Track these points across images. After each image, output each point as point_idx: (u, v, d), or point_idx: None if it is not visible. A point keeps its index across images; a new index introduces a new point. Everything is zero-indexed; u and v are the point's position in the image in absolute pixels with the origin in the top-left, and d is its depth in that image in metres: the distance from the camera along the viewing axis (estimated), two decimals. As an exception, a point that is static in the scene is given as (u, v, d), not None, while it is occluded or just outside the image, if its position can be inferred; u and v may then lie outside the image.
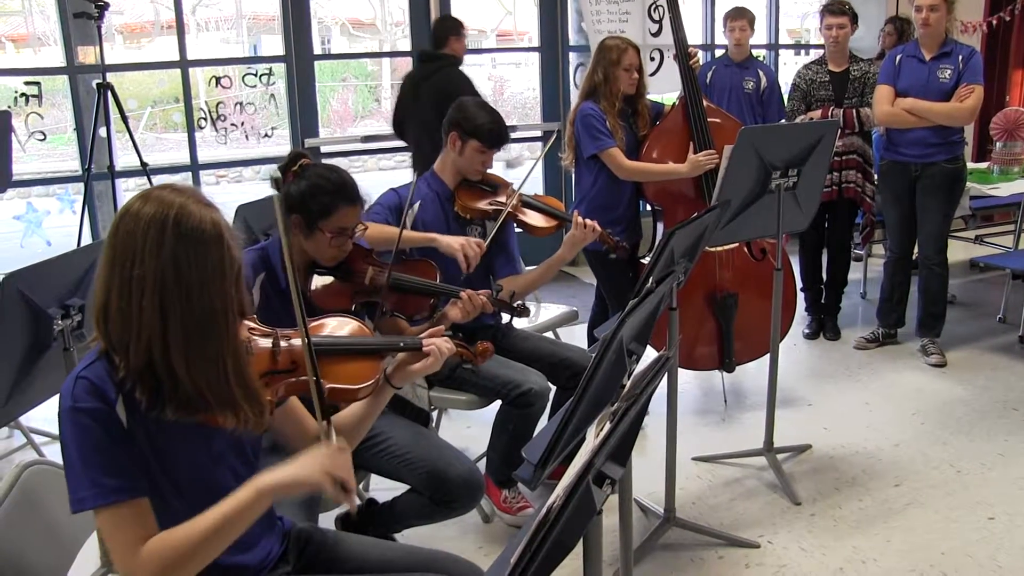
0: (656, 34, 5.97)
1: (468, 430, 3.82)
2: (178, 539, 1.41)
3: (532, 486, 1.65)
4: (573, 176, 4.00)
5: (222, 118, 5.67)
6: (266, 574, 1.71)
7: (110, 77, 4.84)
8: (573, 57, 6.53)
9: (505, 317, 2.97)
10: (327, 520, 2.48)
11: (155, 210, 1.43)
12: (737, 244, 3.90)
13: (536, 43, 6.58)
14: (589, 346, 3.78)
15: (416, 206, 2.82)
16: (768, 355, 3.37)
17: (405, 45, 6.34)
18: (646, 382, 1.51)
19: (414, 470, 2.38)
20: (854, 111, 4.54)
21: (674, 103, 3.92)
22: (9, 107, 4.89)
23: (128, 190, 5.28)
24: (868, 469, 3.43)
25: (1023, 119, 5.59)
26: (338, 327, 1.87)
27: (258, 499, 1.45)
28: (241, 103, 5.77)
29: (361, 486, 3.02)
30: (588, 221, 3.00)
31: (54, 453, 1.55)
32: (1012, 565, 2.77)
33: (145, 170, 4.94)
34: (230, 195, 5.24)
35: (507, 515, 3.10)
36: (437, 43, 5.19)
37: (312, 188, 2.25)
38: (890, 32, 5.61)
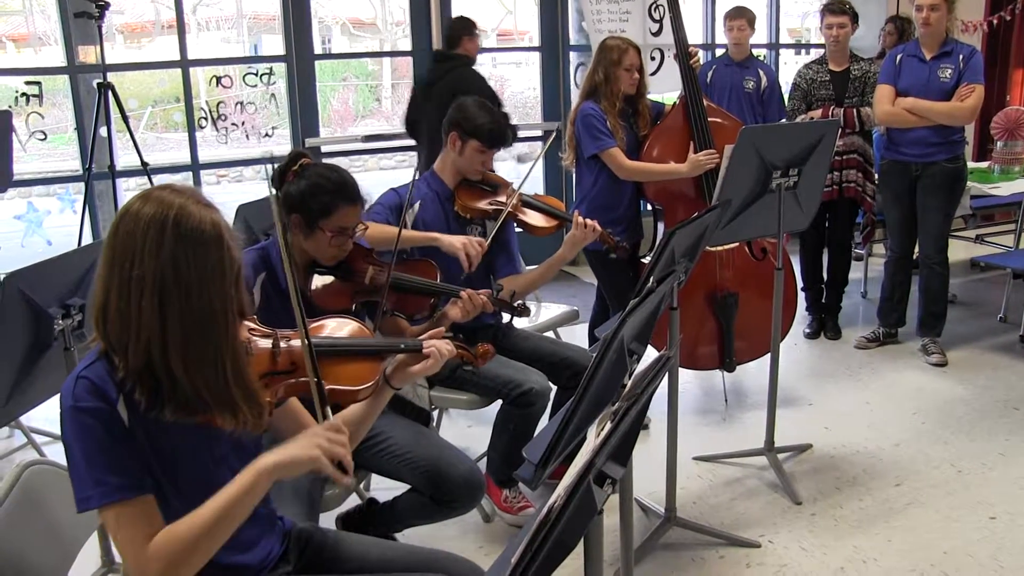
0: (656, 34, 5.97)
1: (469, 430, 3.82)
2: (183, 531, 1.41)
3: (533, 486, 1.65)
4: (574, 176, 4.00)
5: (223, 118, 5.68)
6: (267, 574, 1.71)
7: (111, 77, 4.85)
8: (573, 56, 6.53)
9: (506, 317, 2.96)
10: (327, 520, 2.48)
11: (155, 210, 1.43)
12: (738, 244, 3.90)
13: (537, 42, 6.58)
14: (590, 346, 3.78)
15: (416, 206, 2.82)
16: (769, 355, 3.37)
17: (406, 45, 6.34)
18: (647, 382, 1.51)
19: (415, 470, 2.38)
20: (855, 110, 4.54)
21: (675, 103, 3.92)
22: (10, 107, 4.89)
23: (129, 190, 5.28)
24: (869, 469, 3.43)
25: (1023, 118, 5.60)
26: (338, 328, 1.87)
27: (258, 481, 1.45)
28: (242, 103, 5.77)
29: (362, 486, 3.02)
30: (588, 221, 3.00)
31: (55, 453, 1.56)
32: (1013, 565, 2.77)
33: (146, 170, 4.94)
34: (231, 195, 5.24)
35: (508, 515, 3.10)
36: (450, 43, 5.23)
37: (312, 187, 2.25)
38: (891, 31, 5.61)
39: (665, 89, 5.58)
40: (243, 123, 5.76)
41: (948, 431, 3.73)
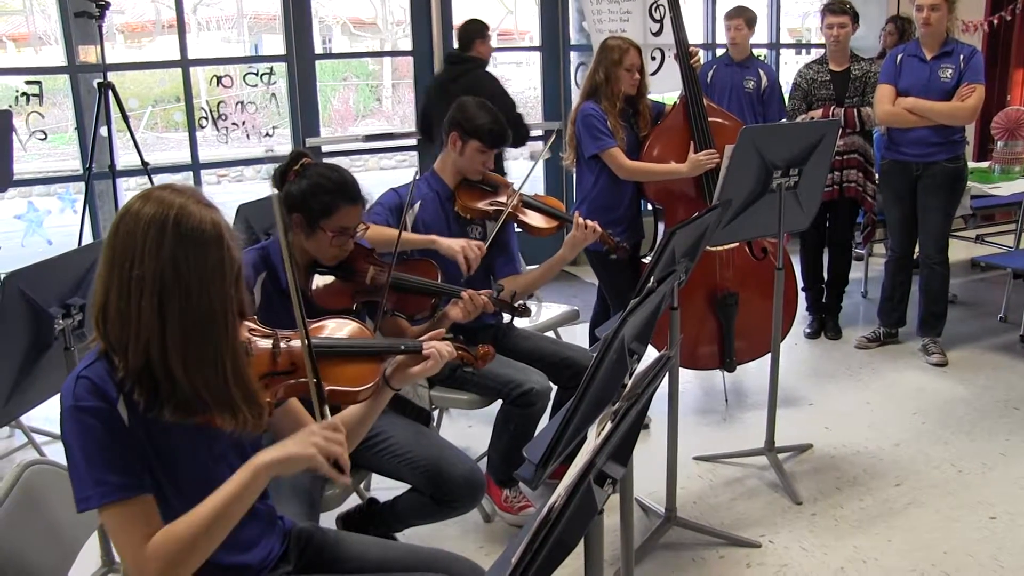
0: (657, 33, 5.97)
1: (469, 429, 3.82)
2: (182, 530, 1.42)
3: (533, 485, 1.65)
4: (574, 176, 3.99)
5: (223, 117, 5.67)
6: (267, 574, 1.71)
7: (111, 76, 4.85)
8: (574, 56, 6.52)
9: (506, 317, 2.97)
10: (328, 520, 2.48)
11: (155, 210, 1.43)
12: (738, 243, 3.90)
13: (537, 42, 6.58)
14: (590, 346, 3.78)
15: (416, 206, 2.82)
16: (769, 354, 3.37)
17: (406, 44, 6.34)
18: (647, 381, 1.51)
19: (415, 469, 2.38)
20: (855, 110, 4.54)
21: (675, 103, 3.92)
22: (10, 106, 4.89)
23: (129, 189, 5.28)
24: (869, 468, 3.43)
25: (1023, 118, 5.60)
26: (337, 328, 1.87)
27: (255, 478, 1.45)
28: (242, 102, 5.77)
29: (362, 486, 3.02)
30: (589, 222, 3.00)
31: (55, 453, 1.56)
32: (1014, 564, 2.77)
33: (146, 169, 4.94)
34: (231, 194, 5.24)
35: (508, 514, 3.10)
36: (463, 46, 5.28)
37: (313, 187, 2.25)
38: (891, 31, 5.61)
39: (666, 89, 5.58)
40: (243, 123, 5.76)
41: (948, 431, 3.73)
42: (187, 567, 1.42)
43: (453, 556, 1.91)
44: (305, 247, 2.32)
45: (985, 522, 3.03)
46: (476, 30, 5.28)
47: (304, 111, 5.75)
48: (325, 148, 5.95)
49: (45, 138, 5.49)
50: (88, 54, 5.09)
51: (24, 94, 5.09)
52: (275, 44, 7.63)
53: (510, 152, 5.43)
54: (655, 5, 5.92)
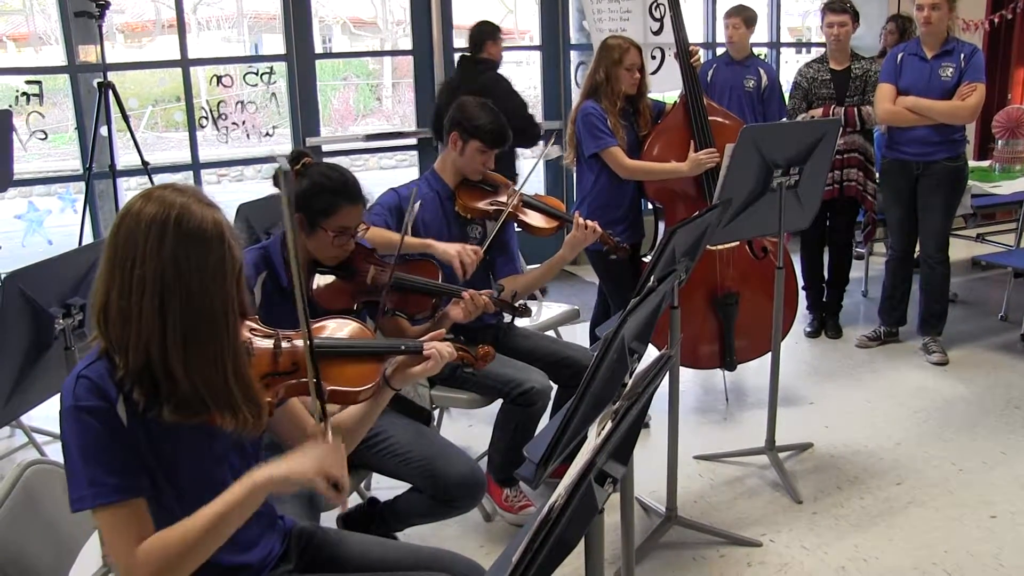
0: (657, 32, 5.97)
1: (470, 429, 3.82)
2: (175, 537, 1.41)
3: (534, 485, 1.65)
4: (574, 175, 3.99)
5: (223, 117, 5.67)
6: (267, 573, 1.71)
7: (111, 76, 4.85)
8: (574, 55, 6.52)
9: (507, 317, 2.96)
10: (328, 519, 2.48)
11: (156, 210, 1.43)
12: (738, 243, 3.90)
13: (537, 41, 6.58)
14: (591, 345, 3.78)
15: (416, 206, 2.82)
16: (769, 354, 3.37)
17: (406, 44, 6.34)
18: (648, 381, 1.51)
19: (415, 469, 2.38)
20: (855, 109, 4.54)
21: (675, 102, 3.92)
22: (10, 106, 4.89)
23: (129, 189, 5.28)
24: (870, 467, 3.43)
25: (1024, 117, 5.59)
26: (338, 328, 1.87)
27: (252, 494, 1.45)
28: (242, 102, 5.77)
29: (363, 485, 3.02)
30: (589, 222, 3.00)
31: (56, 452, 1.56)
32: (1014, 563, 2.77)
33: (146, 169, 4.94)
34: (232, 194, 5.23)
35: (509, 514, 3.10)
36: (475, 48, 5.28)
37: (314, 187, 2.25)
38: (891, 30, 5.60)
39: (666, 88, 5.58)
40: (244, 122, 5.76)
41: (949, 430, 3.72)
42: (177, 574, 1.42)
43: (454, 555, 1.91)
44: (306, 247, 2.32)
45: (986, 521, 3.03)
46: (488, 32, 5.30)
47: (304, 111, 5.75)
48: (325, 148, 5.95)
49: (45, 138, 5.49)
50: (88, 54, 5.08)
51: (24, 94, 5.09)
52: (275, 44, 7.63)
53: (523, 152, 5.44)
54: (655, 4, 5.92)
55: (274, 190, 2.39)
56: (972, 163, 5.31)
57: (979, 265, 6.00)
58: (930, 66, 4.22)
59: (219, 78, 5.96)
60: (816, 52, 6.03)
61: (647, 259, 3.57)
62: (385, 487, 2.89)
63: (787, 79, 5.56)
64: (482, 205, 3.02)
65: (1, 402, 2.50)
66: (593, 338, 3.96)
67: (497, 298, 2.63)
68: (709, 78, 5.02)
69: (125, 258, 1.42)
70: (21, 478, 1.65)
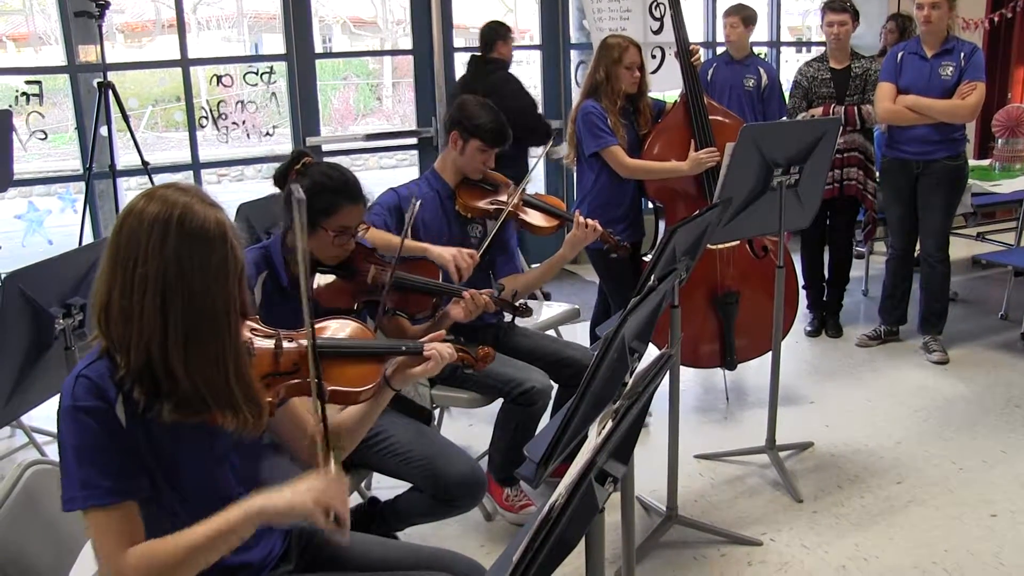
0: (657, 32, 5.97)
1: (470, 428, 3.82)
2: (164, 550, 1.41)
3: (534, 484, 1.65)
4: (574, 174, 3.99)
5: (223, 117, 5.67)
6: (268, 572, 1.71)
7: (111, 76, 4.85)
8: (574, 55, 6.52)
9: (507, 316, 2.96)
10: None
11: (159, 209, 1.43)
12: (739, 242, 3.90)
13: (537, 41, 6.58)
14: (591, 344, 3.78)
15: (417, 205, 2.82)
16: (770, 353, 3.37)
17: (406, 43, 6.34)
18: (648, 380, 1.50)
19: (416, 468, 2.38)
20: (855, 108, 4.53)
21: (676, 101, 3.91)
22: (10, 106, 4.88)
23: (129, 189, 5.28)
24: (870, 466, 3.43)
25: (1024, 116, 5.59)
26: (339, 329, 1.87)
27: (248, 522, 1.44)
28: (242, 101, 5.77)
29: (363, 484, 3.02)
30: (589, 221, 3.00)
31: (56, 452, 1.56)
32: (1015, 562, 2.77)
33: (146, 169, 4.94)
34: (232, 193, 5.23)
35: (509, 513, 3.10)
36: (485, 48, 5.34)
37: (315, 186, 2.25)
38: (892, 29, 5.60)
39: (666, 87, 5.58)
40: (244, 122, 5.75)
41: (949, 429, 3.72)
42: None
43: (454, 555, 1.91)
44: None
45: (986, 520, 3.02)
46: (498, 32, 5.36)
47: (304, 110, 5.74)
48: (325, 147, 5.95)
49: (45, 138, 5.48)
50: (88, 54, 5.08)
51: (24, 94, 5.08)
52: (275, 43, 7.62)
53: (534, 151, 5.45)
54: (655, 4, 5.92)
55: (275, 190, 2.39)
56: (972, 162, 5.31)
57: (979, 264, 6.00)
58: (930, 65, 4.22)
59: (219, 78, 5.95)
60: (816, 51, 6.03)
61: (647, 258, 3.58)
62: (386, 487, 2.88)
63: (787, 78, 5.55)
64: (482, 204, 3.02)
65: (1, 402, 2.50)
66: (593, 337, 3.96)
67: (497, 297, 2.63)
68: (709, 77, 5.02)
69: (127, 257, 1.42)
70: (21, 478, 1.65)
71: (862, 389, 4.19)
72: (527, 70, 7.28)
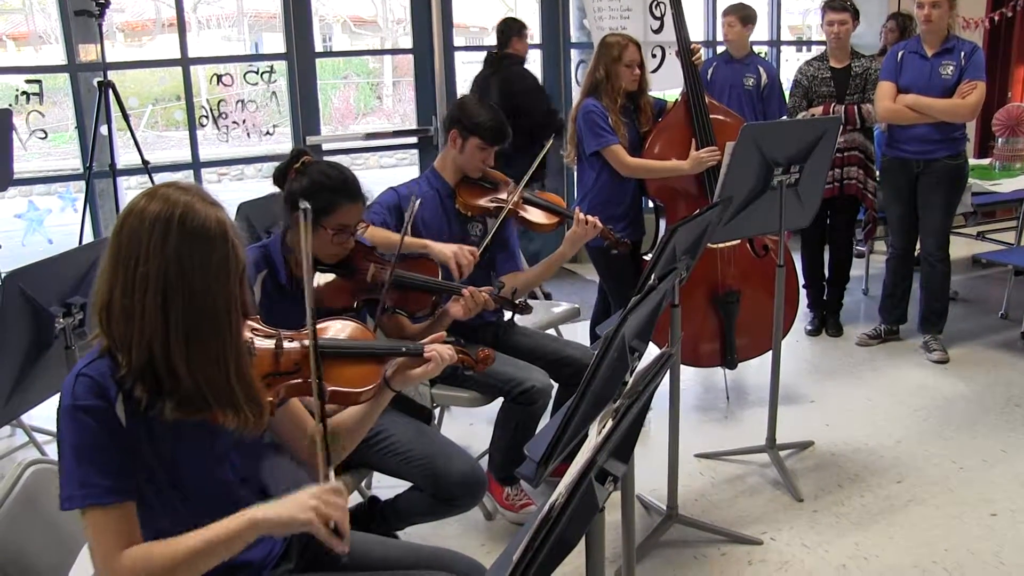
0: (657, 31, 5.97)
1: (470, 427, 3.82)
2: (160, 553, 1.41)
3: (535, 483, 1.65)
4: (575, 173, 3.99)
5: (224, 116, 5.67)
6: (268, 572, 1.71)
7: (111, 75, 4.84)
8: (575, 54, 6.52)
9: (507, 314, 2.96)
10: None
11: (160, 208, 1.43)
12: (739, 241, 3.90)
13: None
14: (591, 343, 3.78)
15: (416, 204, 2.82)
16: (770, 352, 3.37)
17: (406, 42, 6.33)
18: (648, 379, 1.50)
19: (416, 467, 2.38)
20: (856, 107, 4.53)
21: (676, 100, 3.91)
22: (10, 105, 4.88)
23: (130, 188, 5.28)
24: (870, 466, 3.43)
25: (1025, 115, 5.59)
26: (340, 330, 1.88)
27: (247, 531, 1.44)
28: (243, 101, 5.76)
29: (363, 484, 3.02)
30: (589, 217, 3.00)
31: (56, 452, 1.56)
32: (1015, 561, 2.77)
33: (147, 168, 4.94)
34: (233, 193, 5.23)
35: (510, 512, 3.10)
36: (501, 44, 5.45)
37: (314, 185, 2.25)
38: (892, 28, 5.59)
39: (666, 86, 5.58)
40: (244, 121, 5.75)
41: (950, 428, 3.72)
42: None
43: (455, 554, 1.91)
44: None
45: (986, 519, 3.02)
46: (514, 28, 5.47)
47: (304, 109, 5.74)
48: (326, 146, 5.95)
49: (45, 137, 5.48)
50: (88, 53, 5.08)
51: (24, 93, 5.08)
52: (275, 42, 7.63)
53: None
54: (655, 3, 5.92)
55: (274, 189, 2.39)
56: (972, 161, 5.30)
57: (979, 263, 6.00)
58: (930, 64, 4.22)
59: (219, 77, 5.95)
60: (816, 50, 6.02)
61: (648, 257, 3.58)
62: (386, 486, 2.88)
63: (787, 77, 5.55)
64: (482, 202, 3.02)
65: (1, 401, 2.50)
66: (594, 336, 3.96)
67: (497, 295, 2.63)
68: (709, 76, 5.01)
69: (128, 256, 1.42)
70: (21, 478, 1.65)
71: (862, 388, 4.19)
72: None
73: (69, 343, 2.55)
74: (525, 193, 3.07)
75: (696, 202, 3.80)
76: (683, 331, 2.97)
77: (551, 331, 3.83)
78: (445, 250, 2.76)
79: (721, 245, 3.84)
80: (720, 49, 5.73)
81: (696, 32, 6.97)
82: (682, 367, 3.56)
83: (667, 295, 2.61)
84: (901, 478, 3.32)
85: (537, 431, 2.77)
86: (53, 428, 3.63)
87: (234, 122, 5.72)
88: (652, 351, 1.84)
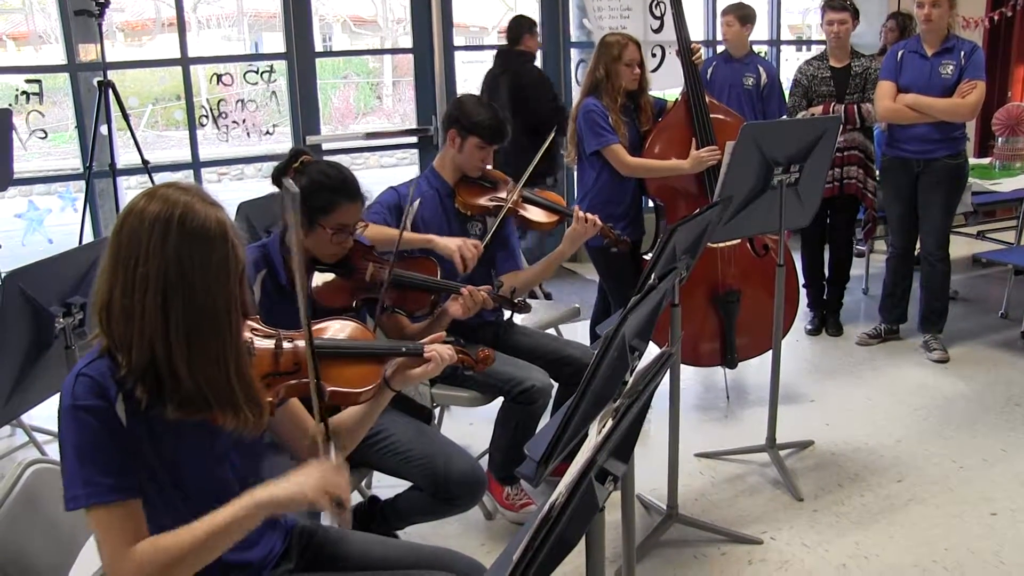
0: (657, 30, 5.97)
1: (470, 427, 3.82)
2: (168, 545, 1.41)
3: (535, 483, 1.65)
4: (575, 172, 3.99)
5: (223, 115, 5.67)
6: (268, 572, 1.71)
7: (111, 75, 4.84)
8: (575, 53, 6.52)
9: (506, 313, 2.96)
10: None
11: (160, 208, 1.43)
12: (739, 240, 3.90)
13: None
14: (591, 343, 3.78)
15: (416, 204, 2.82)
16: (770, 351, 3.37)
17: (406, 42, 6.33)
18: (648, 378, 1.50)
19: (416, 467, 2.38)
20: (855, 107, 4.53)
21: (676, 99, 3.91)
22: (10, 105, 4.88)
23: (129, 188, 5.28)
24: (870, 465, 3.43)
25: (1025, 114, 5.59)
26: (340, 330, 1.88)
27: (252, 513, 1.45)
28: (243, 100, 5.76)
29: (363, 483, 3.02)
30: (589, 215, 3.00)
31: (56, 451, 1.56)
32: (1015, 560, 2.77)
33: (146, 168, 4.94)
34: (233, 192, 5.23)
35: (510, 512, 3.10)
36: (512, 41, 5.55)
37: (313, 184, 2.25)
38: (892, 28, 5.59)
39: (667, 86, 5.57)
40: (244, 121, 5.75)
41: (950, 427, 3.72)
42: None
43: (455, 554, 1.91)
44: (305, 245, 2.31)
45: (986, 518, 3.03)
46: (525, 25, 5.57)
47: (304, 109, 5.74)
48: (326, 146, 5.95)
49: (45, 137, 5.48)
50: (88, 52, 5.08)
51: (24, 93, 5.08)
52: (275, 42, 7.62)
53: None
54: (655, 2, 5.92)
55: (274, 189, 2.39)
56: (972, 160, 5.30)
57: (979, 262, 6.00)
58: (930, 63, 4.21)
59: (219, 76, 5.94)
60: (816, 50, 6.02)
61: (648, 257, 3.58)
62: (386, 485, 2.88)
63: (787, 77, 5.54)
64: (482, 201, 3.02)
65: (1, 401, 2.50)
66: (594, 336, 3.96)
67: (496, 294, 2.63)
68: (708, 76, 5.01)
69: (128, 256, 1.42)
70: (21, 478, 1.65)
71: (862, 388, 4.19)
72: (527, 69, 7.26)
73: (69, 343, 2.55)
74: (524, 192, 3.07)
75: (696, 201, 3.80)
76: (683, 330, 2.97)
77: (551, 330, 3.83)
78: (449, 243, 2.77)
79: (721, 244, 3.84)
80: (720, 48, 5.73)
81: (696, 32, 6.97)
82: (682, 366, 3.57)
83: (667, 294, 2.61)
84: (901, 477, 3.32)
85: (537, 431, 2.77)
86: (53, 428, 3.64)
87: (234, 122, 5.71)
88: (652, 350, 1.84)
